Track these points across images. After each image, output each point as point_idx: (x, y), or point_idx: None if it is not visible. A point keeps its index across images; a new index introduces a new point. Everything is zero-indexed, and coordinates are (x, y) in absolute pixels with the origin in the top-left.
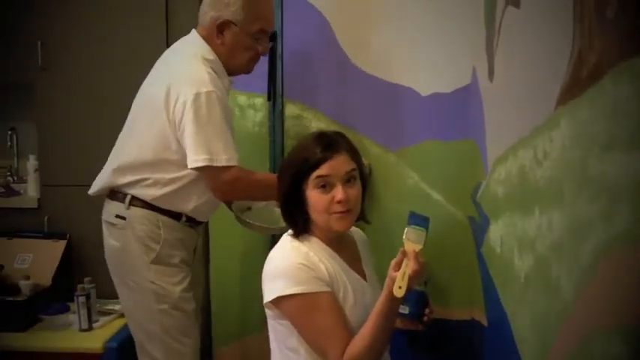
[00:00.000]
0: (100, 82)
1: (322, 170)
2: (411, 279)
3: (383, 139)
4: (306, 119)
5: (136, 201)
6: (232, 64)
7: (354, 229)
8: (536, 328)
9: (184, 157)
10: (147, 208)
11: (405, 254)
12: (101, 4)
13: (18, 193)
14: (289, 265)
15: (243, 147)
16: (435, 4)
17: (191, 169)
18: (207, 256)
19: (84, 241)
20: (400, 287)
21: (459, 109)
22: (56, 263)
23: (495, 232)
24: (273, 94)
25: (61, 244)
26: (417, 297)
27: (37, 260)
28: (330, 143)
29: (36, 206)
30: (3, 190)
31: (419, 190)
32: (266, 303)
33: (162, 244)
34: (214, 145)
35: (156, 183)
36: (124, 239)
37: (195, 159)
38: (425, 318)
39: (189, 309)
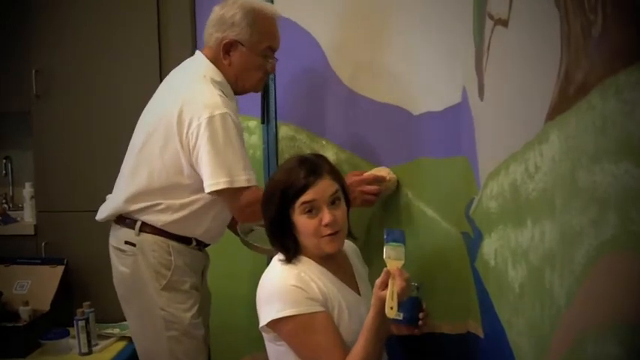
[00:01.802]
0: (95, 108)
1: (307, 196)
2: (399, 296)
3: (376, 158)
4: (300, 141)
5: (146, 227)
6: (242, 85)
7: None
8: (532, 336)
9: (197, 182)
10: (157, 234)
11: (389, 274)
12: (95, 31)
13: (15, 220)
14: (282, 287)
15: None
16: (425, 25)
17: (209, 193)
18: None
19: (82, 265)
20: (392, 308)
21: (451, 127)
22: (55, 288)
23: (489, 245)
24: (267, 117)
25: (59, 270)
26: (411, 303)
27: (36, 286)
28: (312, 169)
29: (33, 233)
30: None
31: (413, 208)
32: (262, 326)
33: (172, 271)
34: (233, 167)
35: (168, 208)
36: (135, 266)
37: (215, 182)
38: (420, 322)
39: (199, 335)
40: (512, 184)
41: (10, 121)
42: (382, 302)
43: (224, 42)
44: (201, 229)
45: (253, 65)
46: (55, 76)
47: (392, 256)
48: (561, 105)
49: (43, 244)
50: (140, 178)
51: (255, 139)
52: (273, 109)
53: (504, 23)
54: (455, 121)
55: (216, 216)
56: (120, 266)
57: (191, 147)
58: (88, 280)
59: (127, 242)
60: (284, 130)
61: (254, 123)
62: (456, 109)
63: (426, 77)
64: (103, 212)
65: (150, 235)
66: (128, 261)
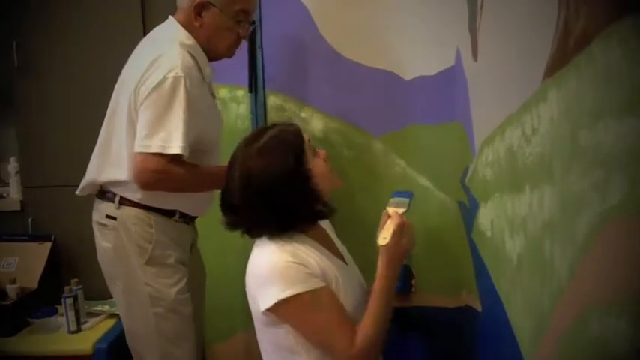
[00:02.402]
0: (78, 80)
1: (306, 136)
2: (395, 233)
3: (367, 126)
4: (289, 110)
5: (126, 200)
6: (214, 48)
7: None
8: (531, 309)
9: None
10: (138, 207)
11: (388, 216)
12: (77, 3)
13: (1, 197)
14: (278, 265)
15: (225, 140)
16: None
17: (137, 152)
18: None
19: (69, 242)
20: (385, 237)
21: (444, 92)
22: (42, 265)
23: (485, 215)
24: (255, 86)
25: (47, 246)
26: (403, 271)
27: (23, 263)
28: (286, 123)
29: (19, 209)
30: None
31: (406, 177)
32: (263, 311)
33: (154, 244)
34: (171, 133)
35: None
36: (116, 240)
37: (150, 144)
38: (412, 289)
39: (186, 312)
40: (508, 150)
41: None
42: (387, 250)
43: (195, 3)
44: (182, 200)
45: (225, 26)
46: (37, 49)
47: (394, 204)
48: (560, 60)
49: (29, 220)
50: (110, 148)
51: (243, 108)
52: (261, 78)
53: None
54: (448, 85)
55: None
56: (103, 242)
57: (138, 104)
58: (77, 256)
59: (108, 216)
60: (272, 100)
61: (242, 92)
62: (449, 73)
63: (417, 40)
64: (80, 185)
65: (130, 208)
66: (110, 236)
